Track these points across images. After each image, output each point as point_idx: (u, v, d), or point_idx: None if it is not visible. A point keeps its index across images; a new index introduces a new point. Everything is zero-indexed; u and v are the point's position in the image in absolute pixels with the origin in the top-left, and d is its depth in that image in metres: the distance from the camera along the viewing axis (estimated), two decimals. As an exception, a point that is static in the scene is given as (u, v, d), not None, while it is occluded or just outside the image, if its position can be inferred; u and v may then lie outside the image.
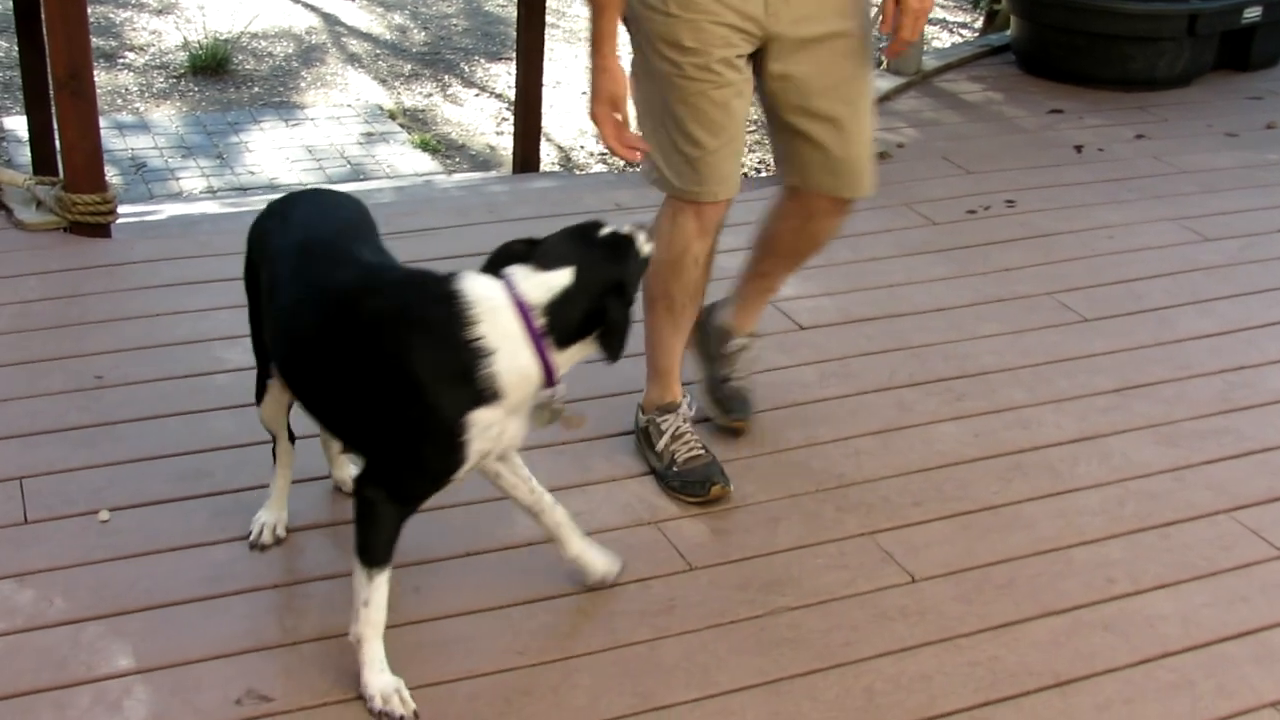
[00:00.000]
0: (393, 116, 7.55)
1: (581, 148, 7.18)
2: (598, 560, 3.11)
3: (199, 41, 8.06)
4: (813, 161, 3.41)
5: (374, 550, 2.69)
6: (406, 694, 2.74)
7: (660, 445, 3.52)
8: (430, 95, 7.89)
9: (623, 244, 2.78)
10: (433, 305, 2.63)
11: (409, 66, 8.31)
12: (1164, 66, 6.90)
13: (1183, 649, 3.09)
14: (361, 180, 6.44)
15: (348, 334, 2.69)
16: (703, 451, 3.50)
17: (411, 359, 2.60)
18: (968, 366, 4.18)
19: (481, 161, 7.01)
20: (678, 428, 3.53)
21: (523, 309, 2.62)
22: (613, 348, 2.71)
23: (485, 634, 2.99)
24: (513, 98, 6.02)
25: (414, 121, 7.49)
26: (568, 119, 7.50)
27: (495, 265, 2.73)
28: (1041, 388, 4.09)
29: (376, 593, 2.70)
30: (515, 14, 5.89)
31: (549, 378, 2.66)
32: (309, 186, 3.60)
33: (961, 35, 9.17)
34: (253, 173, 6.56)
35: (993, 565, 3.32)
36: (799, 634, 3.05)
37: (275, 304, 2.85)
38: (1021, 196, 5.48)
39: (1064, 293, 4.66)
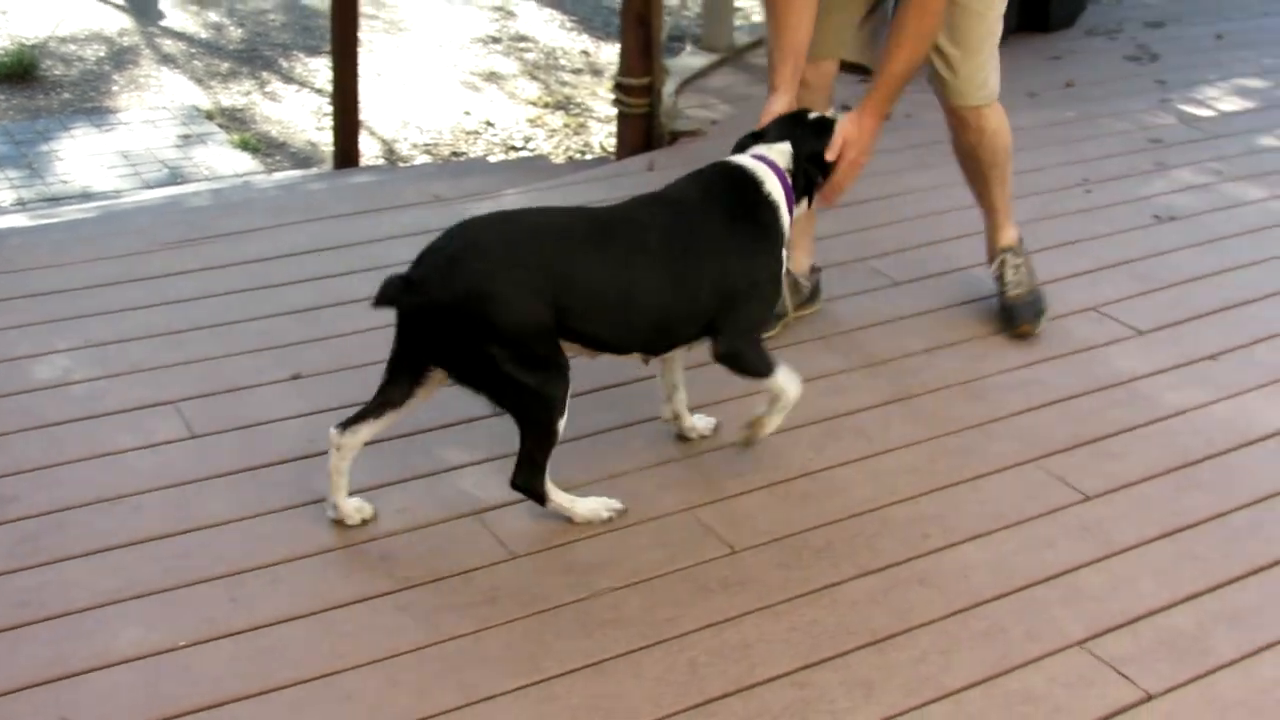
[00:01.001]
0: (210, 117, 7.48)
1: (404, 139, 7.17)
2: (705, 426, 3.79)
3: (3, 49, 7.90)
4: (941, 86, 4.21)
5: (768, 363, 3.47)
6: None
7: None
8: (249, 93, 7.83)
9: (824, 124, 3.61)
10: (743, 187, 3.47)
11: (226, 65, 8.24)
12: (967, 29, 7.04)
13: (994, 596, 3.19)
14: (179, 184, 6.38)
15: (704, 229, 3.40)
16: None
17: (752, 223, 3.45)
18: (783, 337, 4.26)
19: (303, 159, 6.98)
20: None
21: (779, 173, 3.50)
22: (808, 197, 3.61)
23: (304, 640, 2.99)
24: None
25: (233, 121, 7.43)
26: (390, 111, 7.48)
27: (741, 149, 3.61)
28: (855, 353, 4.18)
29: (781, 377, 3.49)
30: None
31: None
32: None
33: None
34: (65, 182, 6.47)
35: (810, 530, 3.40)
36: (621, 614, 3.10)
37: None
38: (833, 165, 5.57)
39: (875, 258, 4.77)
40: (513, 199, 5.21)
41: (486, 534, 3.34)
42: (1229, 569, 3.32)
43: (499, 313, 3.09)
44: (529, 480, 3.30)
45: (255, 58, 8.35)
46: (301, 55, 8.39)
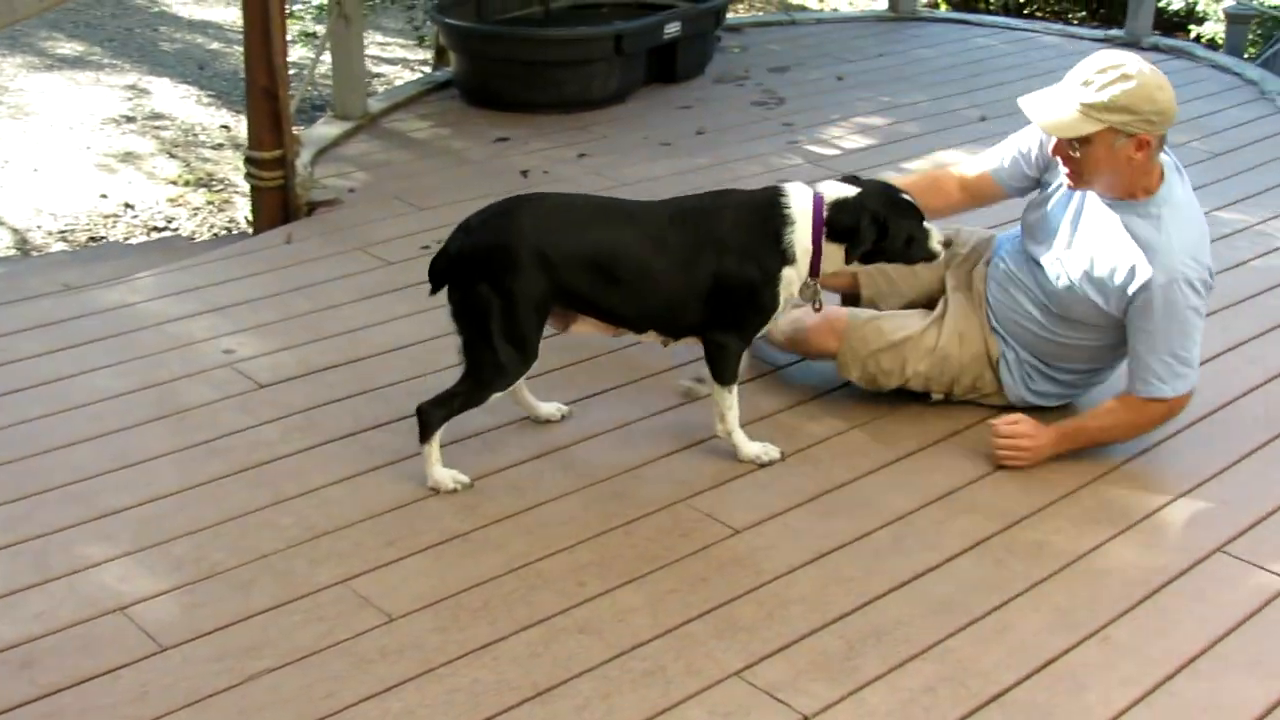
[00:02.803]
0: None
1: (38, 227, 6.91)
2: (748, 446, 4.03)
3: None
4: None
5: (733, 375, 3.88)
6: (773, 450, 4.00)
7: None
8: None
9: (905, 206, 3.84)
10: (769, 201, 3.84)
11: None
12: (598, 87, 7.21)
13: (653, 637, 3.24)
14: None
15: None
16: None
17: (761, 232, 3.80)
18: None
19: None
20: None
21: (818, 206, 3.78)
22: (851, 252, 3.80)
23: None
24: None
25: None
26: (21, 199, 7.20)
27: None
28: (503, 409, 4.19)
29: (733, 400, 3.92)
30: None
31: (815, 264, 3.81)
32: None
33: (423, 72, 9.28)
34: None
35: (467, 591, 3.39)
36: (280, 695, 3.03)
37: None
38: (473, 226, 5.60)
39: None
40: (147, 281, 5.08)
41: (133, 628, 3.23)
42: (873, 587, 3.44)
43: (508, 270, 3.64)
44: (432, 414, 3.76)
45: None
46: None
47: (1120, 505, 3.82)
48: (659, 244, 3.78)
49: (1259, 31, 12.71)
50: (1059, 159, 3.90)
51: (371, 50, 10.34)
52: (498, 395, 3.78)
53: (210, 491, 3.77)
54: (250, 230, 5.94)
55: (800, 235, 3.77)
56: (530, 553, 3.54)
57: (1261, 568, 3.57)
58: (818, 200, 3.79)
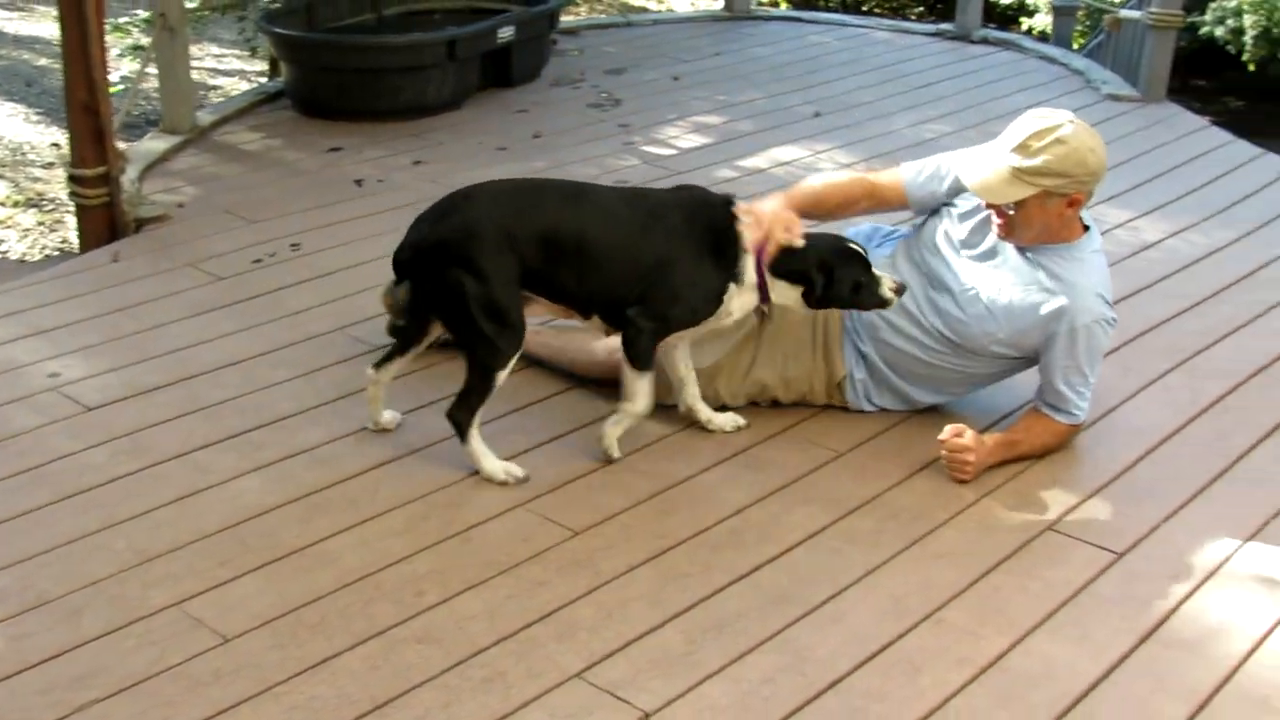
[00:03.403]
0: None
1: None
2: (724, 420, 4.17)
3: None
4: None
5: (647, 363, 3.90)
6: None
7: None
8: None
9: (855, 258, 3.91)
10: (719, 213, 3.94)
11: None
12: (433, 92, 7.17)
13: (493, 643, 3.22)
14: None
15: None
16: None
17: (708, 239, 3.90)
18: (264, 416, 4.19)
19: None
20: None
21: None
22: (808, 302, 3.94)
23: None
24: None
25: None
26: None
27: None
28: (337, 423, 4.15)
29: (644, 384, 3.91)
30: None
31: (764, 291, 3.92)
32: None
33: (260, 83, 9.15)
34: None
35: (304, 607, 3.34)
36: (109, 724, 2.97)
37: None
38: (306, 238, 5.55)
39: (354, 326, 4.76)
40: (-30, 308, 4.96)
41: (-47, 665, 3.14)
42: (712, 581, 3.45)
43: (478, 250, 3.69)
44: (459, 415, 3.83)
45: None
46: None
47: (953, 490, 3.89)
48: (614, 222, 3.87)
49: (1087, 23, 12.97)
50: (993, 212, 3.98)
51: (207, 63, 10.20)
52: (503, 374, 3.81)
53: (37, 519, 3.67)
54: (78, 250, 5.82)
55: (749, 261, 3.88)
56: (367, 565, 3.50)
57: (1090, 543, 3.64)
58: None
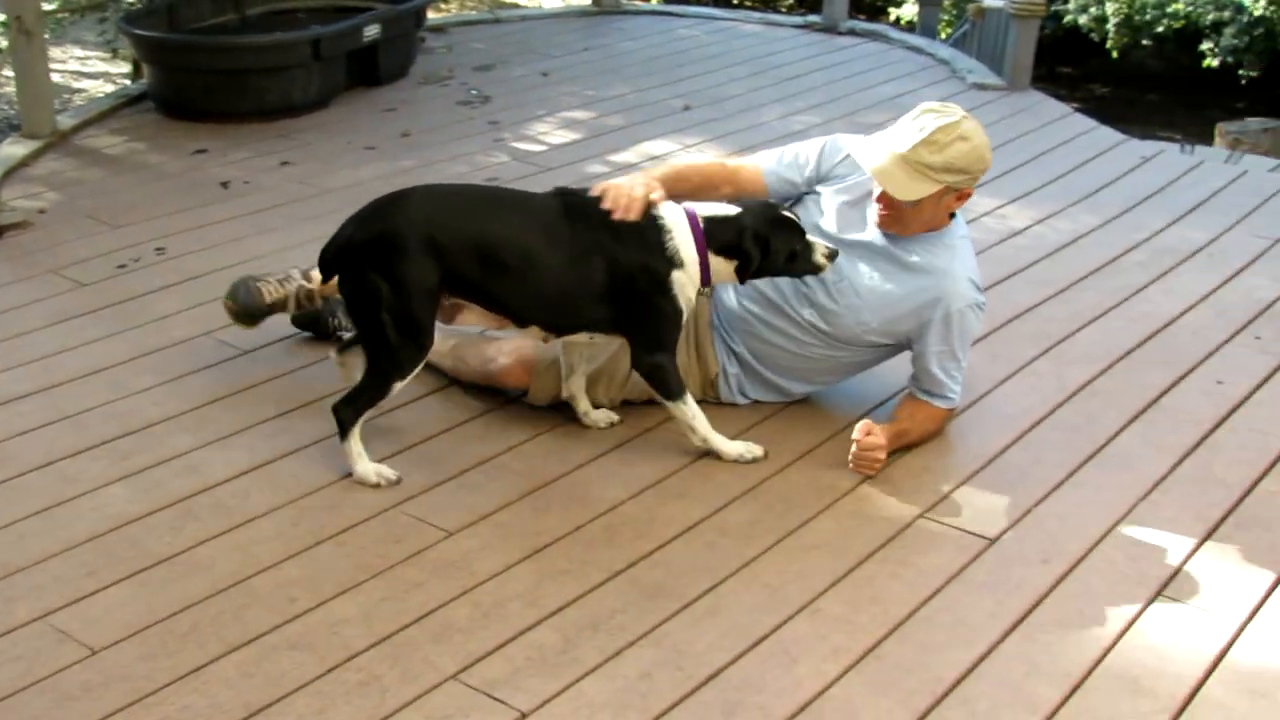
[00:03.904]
0: None
1: None
2: (599, 416, 4.17)
3: None
4: None
5: (677, 387, 3.91)
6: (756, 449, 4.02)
7: None
8: None
9: (789, 225, 3.86)
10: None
11: None
12: (299, 92, 7.09)
13: (367, 647, 3.18)
14: None
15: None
16: None
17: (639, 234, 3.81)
18: (131, 423, 4.12)
19: None
20: None
21: (694, 220, 3.81)
22: (740, 273, 3.86)
23: None
24: None
25: None
26: None
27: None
28: (206, 429, 4.09)
29: (693, 408, 3.94)
30: None
31: (705, 272, 3.82)
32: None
33: (124, 85, 9.00)
34: None
35: (174, 616, 3.28)
36: (-26, 741, 2.90)
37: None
38: (171, 242, 5.47)
39: (220, 330, 4.68)
40: None
41: None
42: (588, 579, 3.44)
43: (399, 258, 3.65)
44: (345, 413, 3.78)
45: None
46: None
47: (827, 480, 3.91)
48: (551, 236, 3.78)
49: (954, 11, 13.15)
50: (880, 204, 3.97)
51: (71, 65, 10.04)
52: (400, 385, 3.79)
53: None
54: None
55: (682, 241, 3.79)
56: (239, 571, 3.45)
57: (962, 530, 3.69)
58: (691, 213, 3.83)
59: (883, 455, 3.91)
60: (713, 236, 3.81)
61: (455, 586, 3.41)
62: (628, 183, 3.88)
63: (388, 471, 3.84)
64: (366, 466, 3.82)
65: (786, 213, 3.91)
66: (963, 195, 3.95)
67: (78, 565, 3.47)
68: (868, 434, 3.89)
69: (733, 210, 3.86)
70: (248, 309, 4.45)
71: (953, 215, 4.06)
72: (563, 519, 3.70)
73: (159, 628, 3.25)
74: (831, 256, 3.91)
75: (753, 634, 3.25)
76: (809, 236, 3.90)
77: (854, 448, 3.91)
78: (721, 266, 3.85)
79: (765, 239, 3.82)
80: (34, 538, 3.58)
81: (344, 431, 3.80)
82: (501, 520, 3.69)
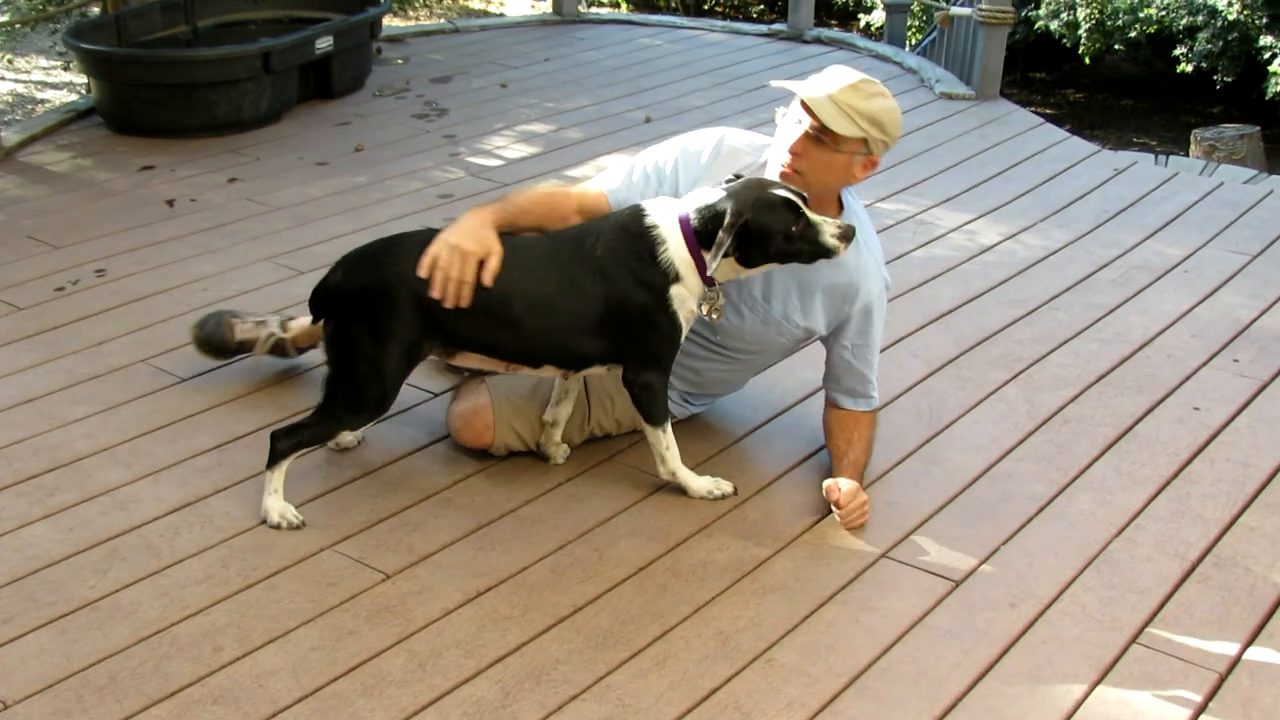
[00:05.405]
0: None
1: None
2: (556, 452, 4.00)
3: None
4: None
5: (661, 412, 3.72)
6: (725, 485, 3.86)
7: None
8: None
9: (783, 204, 3.50)
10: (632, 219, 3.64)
11: None
12: (249, 106, 6.92)
13: (294, 701, 3.02)
14: None
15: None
16: None
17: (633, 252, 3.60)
18: (60, 456, 3.94)
19: None
20: None
21: (684, 218, 3.57)
22: (741, 265, 3.59)
23: None
24: None
25: None
26: None
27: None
28: (139, 462, 3.91)
29: (670, 438, 3.76)
30: None
31: (702, 271, 3.56)
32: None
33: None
34: None
35: (92, 667, 3.11)
36: None
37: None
38: (112, 263, 5.28)
39: (158, 356, 4.51)
40: None
41: None
42: (531, 625, 3.28)
43: (384, 313, 3.54)
44: (283, 444, 3.63)
45: None
46: None
47: (784, 517, 3.75)
48: (541, 279, 3.62)
49: (923, 18, 13.03)
50: (791, 154, 3.69)
51: (36, 75, 9.84)
52: (347, 436, 3.88)
53: None
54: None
55: (675, 250, 3.56)
56: (163, 618, 3.27)
57: (926, 570, 3.53)
58: (683, 217, 3.56)
59: (865, 498, 3.73)
60: (703, 233, 3.54)
61: (391, 634, 3.23)
62: (458, 248, 3.54)
63: (292, 515, 3.65)
64: (276, 502, 3.66)
65: (780, 192, 3.52)
66: (869, 164, 3.70)
67: (-7, 612, 3.29)
68: (851, 497, 3.70)
69: (717, 195, 3.55)
70: (211, 341, 4.30)
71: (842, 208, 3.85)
72: (507, 559, 3.52)
73: (76, 679, 3.08)
74: (846, 236, 3.56)
75: (703, 686, 3.08)
76: (814, 216, 3.53)
77: (836, 512, 3.72)
78: (721, 264, 3.54)
79: (746, 223, 3.48)
80: (-50, 584, 3.40)
81: (273, 461, 3.64)
82: (443, 561, 3.52)
